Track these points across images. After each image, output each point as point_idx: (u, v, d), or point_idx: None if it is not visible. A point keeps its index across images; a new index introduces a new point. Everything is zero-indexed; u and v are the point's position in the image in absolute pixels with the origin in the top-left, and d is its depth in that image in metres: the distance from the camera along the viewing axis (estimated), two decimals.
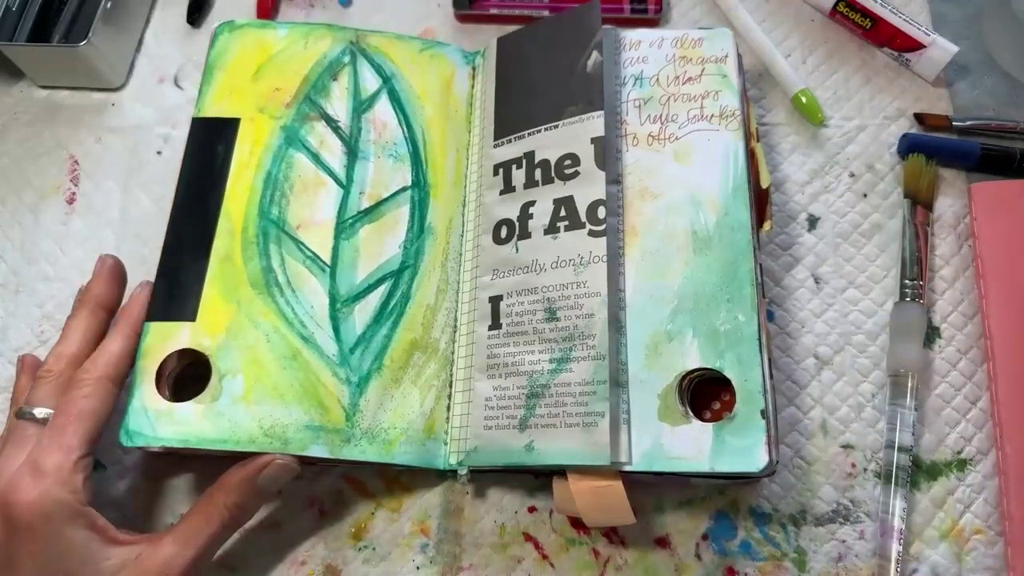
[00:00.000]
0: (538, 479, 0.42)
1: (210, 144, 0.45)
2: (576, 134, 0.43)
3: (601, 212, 0.41)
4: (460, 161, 0.47)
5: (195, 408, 0.39)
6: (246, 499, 0.38)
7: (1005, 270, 0.45)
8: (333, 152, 0.46)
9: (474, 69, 0.50)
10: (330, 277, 0.43)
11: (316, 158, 0.46)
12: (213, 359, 0.40)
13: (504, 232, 0.43)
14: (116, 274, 0.42)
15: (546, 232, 0.42)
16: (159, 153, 0.51)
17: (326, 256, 0.43)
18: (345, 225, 0.44)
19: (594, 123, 0.42)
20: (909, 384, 0.42)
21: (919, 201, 0.47)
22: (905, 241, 0.46)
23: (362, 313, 0.42)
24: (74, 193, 0.50)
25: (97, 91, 0.53)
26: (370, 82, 0.48)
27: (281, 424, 0.39)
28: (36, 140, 0.52)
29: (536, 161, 0.43)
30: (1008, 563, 0.40)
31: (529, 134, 0.44)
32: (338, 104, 0.47)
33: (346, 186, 0.45)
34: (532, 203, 0.43)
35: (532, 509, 0.42)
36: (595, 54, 0.44)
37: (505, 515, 0.42)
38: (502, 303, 0.41)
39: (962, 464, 0.42)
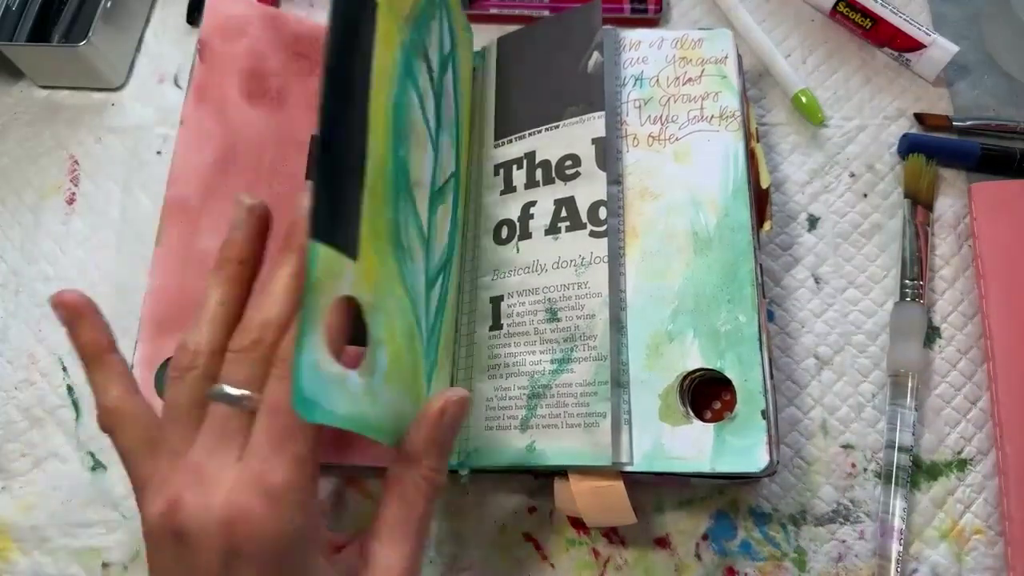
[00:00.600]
0: (538, 479, 0.42)
1: (355, 21, 0.32)
2: (577, 135, 0.43)
3: (602, 213, 0.41)
4: (463, 160, 0.47)
5: (360, 382, 0.28)
6: (438, 460, 0.30)
7: (1005, 270, 0.45)
8: (429, 109, 0.38)
9: (474, 69, 0.50)
10: (426, 253, 0.36)
11: (422, 107, 0.37)
12: (369, 321, 0.30)
13: (505, 232, 0.43)
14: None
15: (547, 232, 0.42)
16: (159, 153, 0.51)
17: (425, 228, 0.36)
18: (435, 197, 0.37)
19: (595, 123, 0.42)
20: (909, 384, 0.42)
21: (919, 201, 0.47)
22: (905, 241, 0.46)
23: (431, 301, 0.37)
24: (74, 193, 0.50)
25: (97, 91, 0.53)
26: (446, 44, 0.41)
27: (400, 414, 0.31)
28: (36, 140, 0.52)
29: (537, 161, 0.43)
30: (1008, 563, 0.40)
31: (530, 134, 0.44)
32: (433, 54, 0.39)
33: (435, 154, 0.38)
34: (533, 203, 0.43)
35: (532, 509, 0.42)
36: (596, 54, 0.44)
37: (505, 515, 0.42)
38: (503, 303, 0.41)
39: (962, 464, 0.42)
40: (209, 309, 0.30)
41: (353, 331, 0.29)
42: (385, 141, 0.33)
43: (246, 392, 0.28)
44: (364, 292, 0.29)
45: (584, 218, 0.41)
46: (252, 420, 0.27)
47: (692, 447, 0.37)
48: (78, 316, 0.31)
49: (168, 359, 0.31)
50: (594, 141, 0.42)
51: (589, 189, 0.41)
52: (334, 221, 0.28)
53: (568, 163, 0.42)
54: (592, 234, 0.40)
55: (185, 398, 0.29)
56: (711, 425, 0.37)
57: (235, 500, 0.26)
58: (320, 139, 0.28)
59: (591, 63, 0.44)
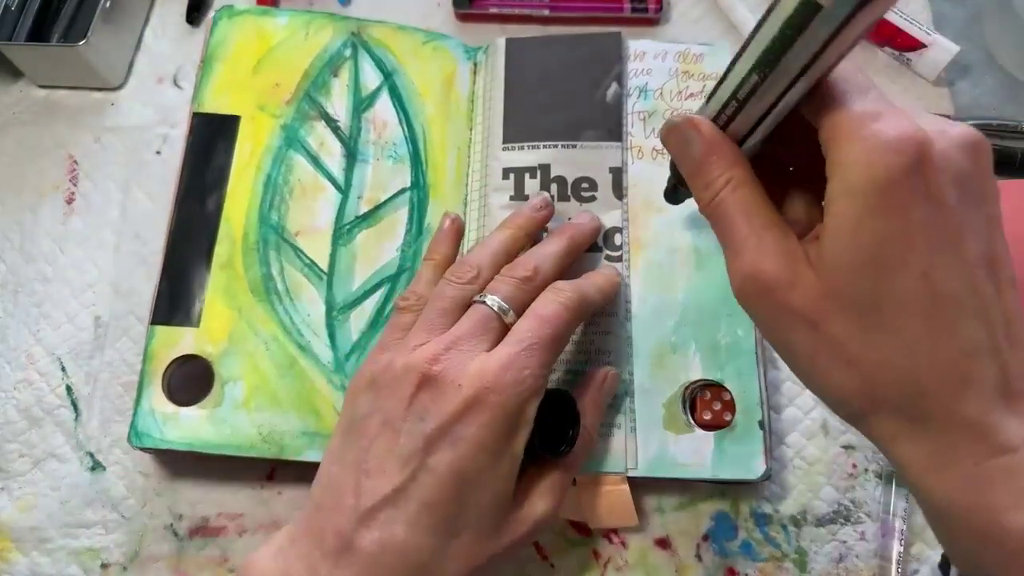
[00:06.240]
0: None
1: (211, 142, 0.45)
2: (593, 160, 0.44)
3: (618, 239, 0.42)
4: (461, 159, 0.47)
5: (199, 413, 0.40)
6: (595, 419, 0.38)
7: None
8: (332, 155, 0.46)
9: (475, 65, 0.50)
10: (327, 285, 0.43)
11: (316, 161, 0.46)
12: (216, 365, 0.41)
13: None
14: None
15: None
16: (158, 153, 0.51)
17: (323, 263, 0.44)
18: (343, 231, 0.44)
19: (613, 153, 0.44)
20: None
21: None
22: None
23: (358, 319, 0.43)
24: (73, 193, 0.50)
25: (96, 91, 0.53)
26: (371, 78, 0.48)
27: (278, 431, 0.40)
28: (35, 140, 0.52)
29: (552, 175, 0.44)
30: None
31: (544, 146, 0.45)
32: (338, 102, 0.47)
33: (344, 191, 0.45)
34: None
35: None
36: (615, 85, 0.45)
37: None
38: None
39: None
40: (493, 243, 0.39)
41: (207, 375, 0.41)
42: (246, 218, 0.44)
43: (507, 306, 0.35)
44: (210, 346, 0.41)
45: (600, 242, 0.42)
46: (504, 329, 0.35)
47: (694, 455, 0.39)
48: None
49: None
50: (612, 170, 0.44)
51: (605, 215, 0.43)
52: (173, 305, 0.42)
53: (584, 185, 0.43)
54: (608, 258, 0.42)
55: (455, 296, 0.36)
56: (712, 434, 0.39)
57: (489, 367, 0.32)
58: (165, 248, 0.43)
59: (610, 93, 0.45)
